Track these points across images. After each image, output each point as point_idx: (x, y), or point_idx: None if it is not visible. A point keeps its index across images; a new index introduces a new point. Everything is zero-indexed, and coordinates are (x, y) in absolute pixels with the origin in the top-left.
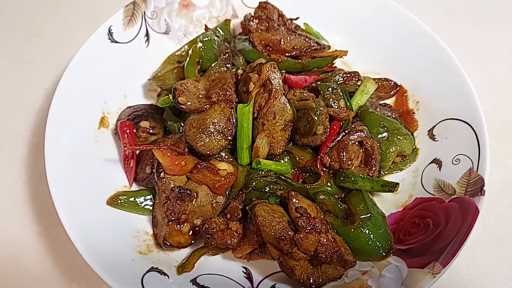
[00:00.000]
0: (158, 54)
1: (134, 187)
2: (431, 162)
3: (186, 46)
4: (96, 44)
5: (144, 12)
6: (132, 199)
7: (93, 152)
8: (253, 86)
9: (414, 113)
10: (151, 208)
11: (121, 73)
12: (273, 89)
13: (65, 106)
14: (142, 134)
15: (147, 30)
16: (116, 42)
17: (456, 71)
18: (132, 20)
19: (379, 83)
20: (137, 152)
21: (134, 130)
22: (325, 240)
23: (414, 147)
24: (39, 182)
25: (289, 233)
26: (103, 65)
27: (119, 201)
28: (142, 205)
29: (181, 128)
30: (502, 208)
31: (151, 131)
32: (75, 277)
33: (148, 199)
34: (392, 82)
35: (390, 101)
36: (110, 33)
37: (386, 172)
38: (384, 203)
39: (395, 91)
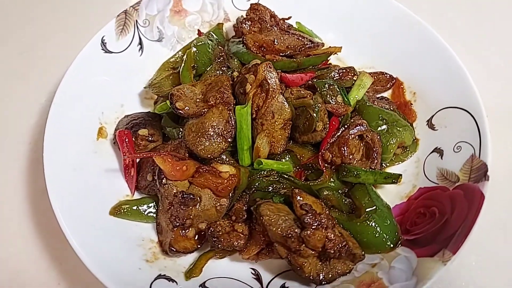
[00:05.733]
0: (152, 62)
1: (137, 196)
2: (432, 152)
3: (180, 52)
4: (90, 55)
5: (136, 20)
6: (135, 207)
7: (93, 163)
8: (250, 87)
9: (411, 104)
10: (154, 215)
11: (117, 83)
12: (270, 89)
13: (62, 119)
14: (141, 142)
15: (140, 39)
16: (110, 52)
17: (451, 60)
18: (125, 29)
19: (375, 77)
20: (137, 160)
21: (133, 139)
22: (332, 235)
23: (414, 137)
24: (41, 198)
25: (296, 230)
26: (98, 76)
27: (122, 211)
28: (146, 213)
29: (180, 133)
30: (506, 192)
31: (150, 138)
32: None
33: (151, 206)
34: (388, 75)
35: (387, 94)
36: (103, 43)
37: (388, 164)
38: (387, 195)
39: (391, 83)
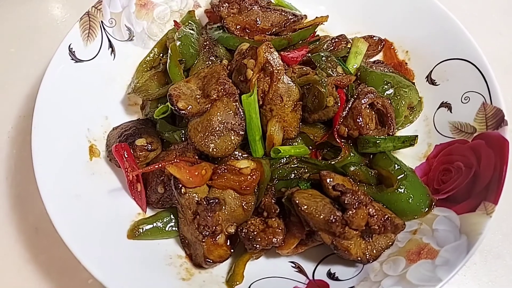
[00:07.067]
0: (128, 64)
1: (149, 212)
2: (439, 107)
3: (155, 49)
4: (60, 68)
5: (102, 21)
6: (153, 225)
7: (94, 187)
8: (252, 72)
9: (406, 63)
10: (175, 229)
11: (95, 94)
12: (275, 71)
13: (47, 147)
14: (141, 153)
15: (109, 41)
16: (81, 60)
17: (438, 11)
18: (91, 33)
19: None
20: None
21: (131, 151)
22: (373, 210)
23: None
24: (35, 236)
25: (337, 214)
26: (73, 90)
27: (141, 231)
28: (167, 228)
29: (182, 136)
30: None
31: (149, 147)
32: None
33: (169, 220)
34: (377, 38)
35: (379, 57)
36: (71, 52)
37: (399, 128)
38: (404, 158)
39: (381, 46)
